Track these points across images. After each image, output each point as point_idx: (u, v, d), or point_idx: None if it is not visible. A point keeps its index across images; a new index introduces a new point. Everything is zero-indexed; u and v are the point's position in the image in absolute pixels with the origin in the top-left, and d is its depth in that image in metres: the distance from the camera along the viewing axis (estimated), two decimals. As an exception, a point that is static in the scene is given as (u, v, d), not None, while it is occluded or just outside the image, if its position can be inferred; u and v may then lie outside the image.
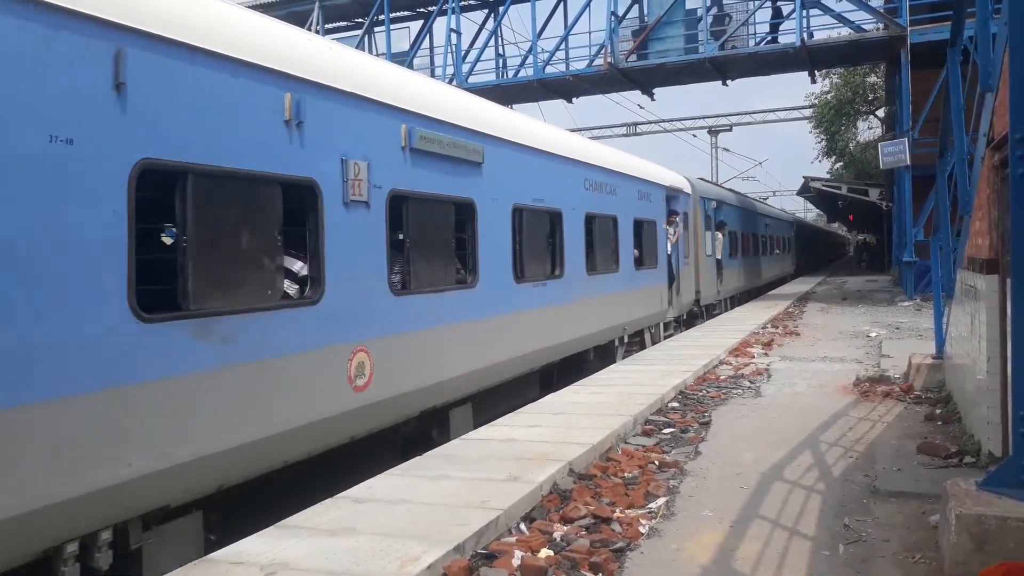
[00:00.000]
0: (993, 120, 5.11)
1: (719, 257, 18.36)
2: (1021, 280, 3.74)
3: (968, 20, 6.91)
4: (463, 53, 23.78)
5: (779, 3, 21.54)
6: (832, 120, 41.94)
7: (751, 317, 16.24)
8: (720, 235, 18.60)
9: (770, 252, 29.47)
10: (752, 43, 21.30)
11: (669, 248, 14.23)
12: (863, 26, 20.03)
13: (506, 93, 22.83)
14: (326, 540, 3.95)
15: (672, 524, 4.45)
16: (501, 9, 23.91)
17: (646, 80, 22.96)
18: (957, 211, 6.53)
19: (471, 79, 23.19)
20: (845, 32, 20.44)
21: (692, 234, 15.97)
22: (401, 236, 6.33)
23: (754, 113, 50.47)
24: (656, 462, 5.67)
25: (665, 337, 14.10)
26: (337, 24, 26.99)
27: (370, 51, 24.42)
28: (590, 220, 10.42)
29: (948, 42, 7.30)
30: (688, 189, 15.94)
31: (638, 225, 12.58)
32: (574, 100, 24.90)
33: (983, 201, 5.63)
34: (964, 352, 6.38)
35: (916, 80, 18.82)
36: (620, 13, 22.03)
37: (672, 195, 14.71)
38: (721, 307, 19.27)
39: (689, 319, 16.21)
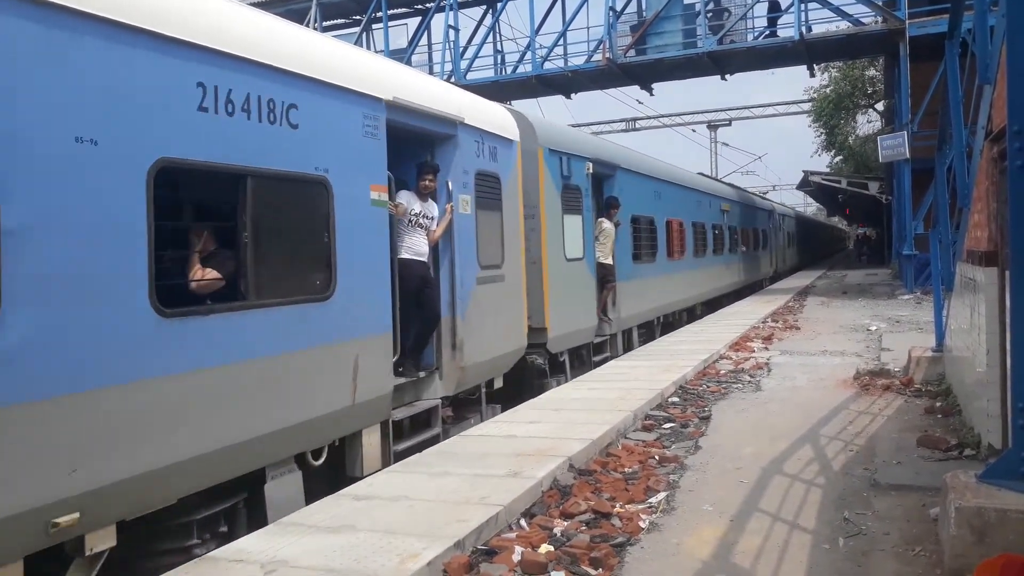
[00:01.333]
0: (991, 112, 5.10)
1: (607, 261, 11.03)
2: (1020, 272, 3.74)
3: (966, 13, 6.89)
4: (461, 50, 23.76)
5: (777, -3, 21.53)
6: (831, 114, 41.90)
7: (751, 311, 16.25)
8: (609, 223, 11.14)
9: (731, 250, 21.24)
10: (750, 37, 21.27)
11: (421, 248, 6.69)
12: (861, 19, 20.01)
13: (505, 89, 22.82)
14: (326, 537, 3.96)
15: (672, 518, 4.46)
16: (499, 5, 23.88)
17: (644, 75, 22.93)
18: (956, 204, 6.52)
19: (470, 75, 23.18)
20: (843, 26, 20.41)
21: (514, 219, 8.22)
22: None
23: (753, 108, 50.59)
24: (656, 457, 5.67)
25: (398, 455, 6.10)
26: (335, 21, 26.96)
27: (368, 49, 24.38)
28: None
29: (946, 35, 7.28)
30: (508, 131, 8.18)
31: (203, 182, 4.66)
32: (573, 96, 24.88)
33: (982, 193, 5.63)
34: (964, 345, 6.38)
35: (915, 73, 18.79)
36: (618, 8, 21.98)
37: (432, 133, 6.83)
38: (616, 345, 11.40)
39: (516, 383, 8.49)
